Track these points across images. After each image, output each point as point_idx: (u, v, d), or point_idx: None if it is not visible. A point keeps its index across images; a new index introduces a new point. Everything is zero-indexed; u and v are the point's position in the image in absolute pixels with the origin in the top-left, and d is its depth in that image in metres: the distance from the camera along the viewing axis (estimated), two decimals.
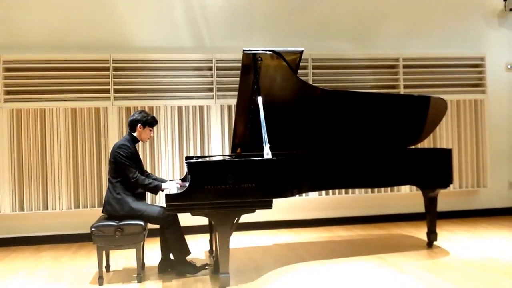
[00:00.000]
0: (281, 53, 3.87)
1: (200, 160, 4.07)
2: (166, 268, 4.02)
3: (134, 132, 3.99)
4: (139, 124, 3.97)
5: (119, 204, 3.80)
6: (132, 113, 4.22)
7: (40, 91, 5.36)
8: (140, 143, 4.20)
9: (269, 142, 3.63)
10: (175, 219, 3.88)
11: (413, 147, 4.95)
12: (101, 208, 3.99)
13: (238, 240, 5.10)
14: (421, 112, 4.62)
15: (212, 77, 5.66)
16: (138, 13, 5.60)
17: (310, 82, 5.66)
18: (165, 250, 4.02)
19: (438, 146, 6.00)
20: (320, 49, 5.86)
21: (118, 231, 3.71)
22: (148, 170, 5.39)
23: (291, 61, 3.98)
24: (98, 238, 3.72)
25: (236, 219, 3.60)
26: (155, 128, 4.20)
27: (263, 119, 3.68)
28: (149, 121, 4.00)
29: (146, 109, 5.44)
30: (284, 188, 3.66)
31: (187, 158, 4.62)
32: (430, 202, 4.63)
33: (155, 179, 4.11)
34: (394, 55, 6.02)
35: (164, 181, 4.18)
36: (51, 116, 5.35)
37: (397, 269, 3.95)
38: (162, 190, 3.90)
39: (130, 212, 3.79)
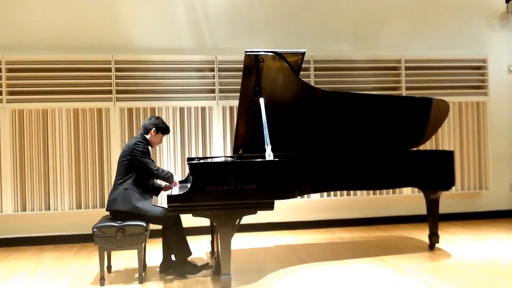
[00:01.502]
0: (283, 54, 3.87)
1: (202, 161, 4.07)
2: (168, 269, 4.02)
3: (147, 135, 4.06)
4: (154, 128, 4.05)
5: (125, 200, 3.80)
6: (149, 117, 4.31)
7: (42, 91, 5.37)
8: None
9: (271, 144, 3.63)
10: (177, 220, 3.88)
11: (415, 149, 4.95)
12: (103, 209, 4.00)
13: (240, 241, 5.10)
14: (423, 114, 4.62)
15: (214, 78, 5.67)
16: (140, 14, 5.62)
17: (312, 83, 5.66)
18: (166, 251, 4.02)
19: (440, 148, 5.99)
20: (322, 51, 5.87)
21: (120, 232, 3.71)
22: None
23: (293, 63, 3.98)
24: (100, 239, 3.73)
25: (238, 220, 3.60)
26: None
27: (265, 120, 3.68)
28: (163, 128, 4.12)
29: (148, 110, 5.48)
30: (285, 190, 3.66)
31: (189, 159, 4.63)
32: (432, 204, 4.62)
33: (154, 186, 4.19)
34: (396, 56, 6.02)
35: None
36: (53, 117, 5.36)
37: (398, 271, 3.95)
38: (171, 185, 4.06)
39: (133, 209, 3.79)
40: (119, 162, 3.99)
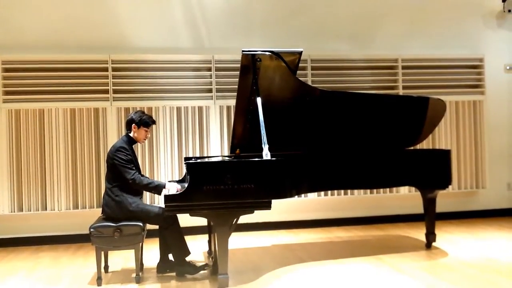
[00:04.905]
0: (280, 53, 3.87)
1: (199, 160, 4.07)
2: (165, 269, 4.01)
3: (130, 132, 3.96)
4: (134, 124, 3.92)
5: (118, 207, 3.78)
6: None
7: (39, 91, 5.35)
8: (138, 144, 4.18)
9: (268, 143, 3.63)
10: (175, 220, 3.87)
11: (412, 148, 4.96)
12: (100, 209, 3.99)
13: (237, 241, 5.10)
14: (420, 113, 4.62)
15: (211, 78, 5.66)
16: (137, 13, 5.60)
17: (309, 83, 5.66)
18: (164, 251, 4.01)
19: (437, 147, 6.00)
20: (319, 50, 5.87)
21: (117, 232, 3.70)
22: (147, 171, 5.42)
23: (290, 62, 3.98)
24: (97, 239, 3.72)
25: (235, 219, 3.61)
26: (154, 128, 4.19)
27: (262, 119, 3.69)
28: (144, 121, 3.92)
29: (145, 110, 5.43)
30: (283, 189, 3.66)
31: (186, 158, 4.62)
32: (429, 203, 4.63)
33: None
34: (393, 56, 6.02)
35: None
36: (50, 117, 5.34)
37: (395, 270, 3.95)
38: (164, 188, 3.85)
39: (128, 214, 3.78)
40: (106, 165, 3.91)
